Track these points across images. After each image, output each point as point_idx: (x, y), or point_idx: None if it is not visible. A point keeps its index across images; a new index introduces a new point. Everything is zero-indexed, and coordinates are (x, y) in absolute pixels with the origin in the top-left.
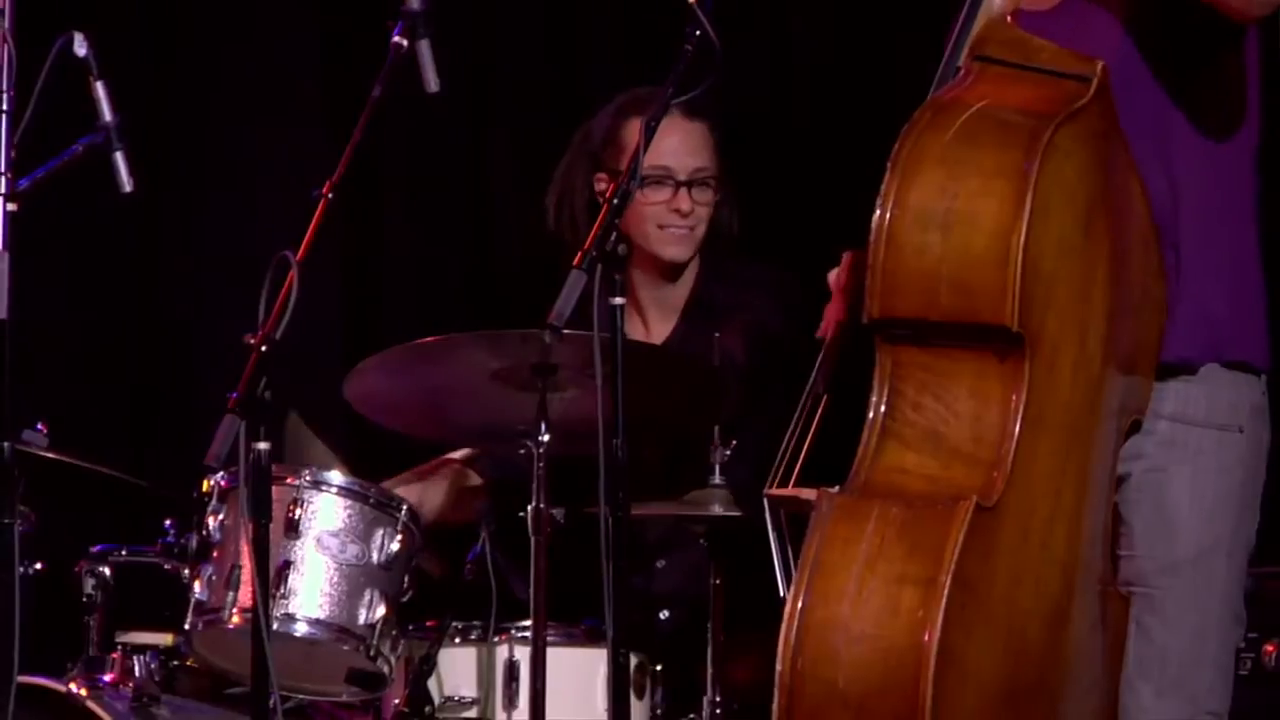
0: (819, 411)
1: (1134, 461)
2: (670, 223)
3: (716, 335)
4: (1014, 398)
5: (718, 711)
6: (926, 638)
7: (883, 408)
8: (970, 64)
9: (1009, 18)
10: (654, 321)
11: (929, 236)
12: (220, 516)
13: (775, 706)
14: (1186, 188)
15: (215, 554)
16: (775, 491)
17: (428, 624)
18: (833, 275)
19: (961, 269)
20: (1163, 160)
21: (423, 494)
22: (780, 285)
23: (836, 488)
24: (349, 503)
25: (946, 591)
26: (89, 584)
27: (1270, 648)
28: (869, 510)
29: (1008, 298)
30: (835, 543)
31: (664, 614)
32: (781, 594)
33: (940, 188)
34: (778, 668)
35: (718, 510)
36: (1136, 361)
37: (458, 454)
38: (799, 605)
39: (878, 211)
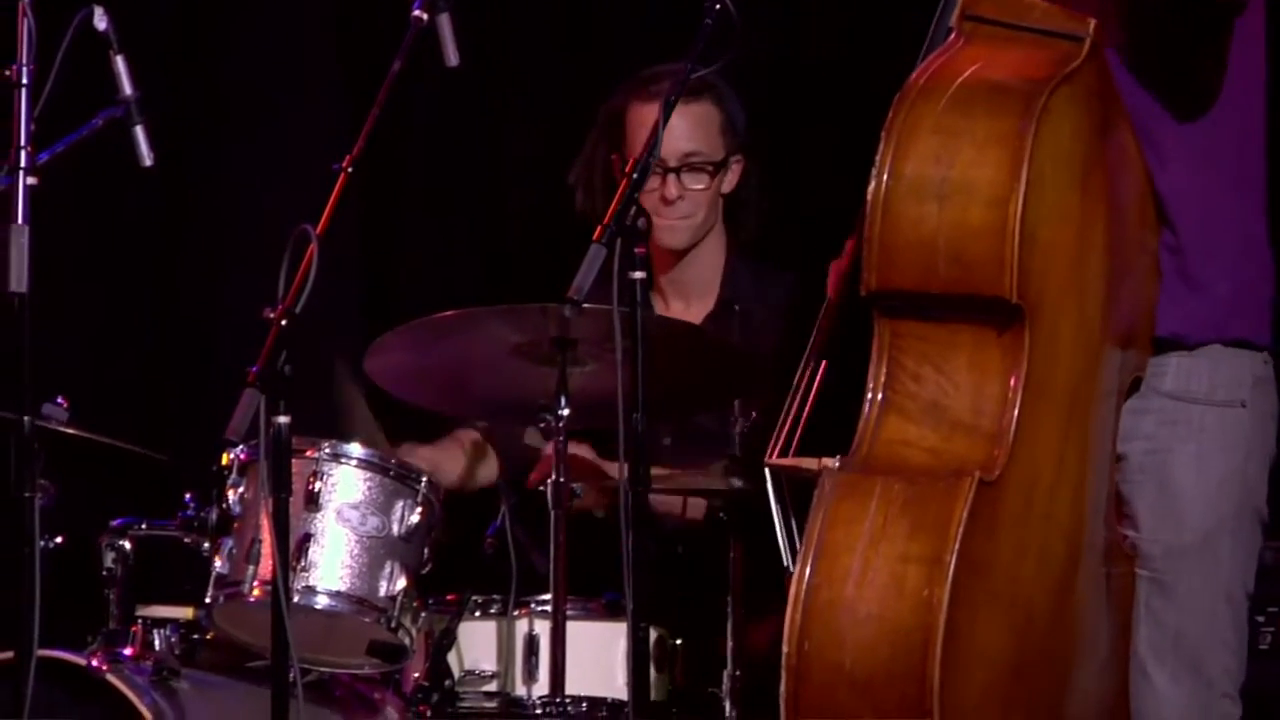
0: (818, 379)
1: (1133, 441)
2: (658, 211)
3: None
4: (1014, 369)
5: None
6: (933, 617)
7: (882, 380)
8: (961, 24)
9: None
10: (673, 302)
11: (925, 207)
12: (240, 490)
13: (782, 689)
14: (1181, 167)
15: (235, 527)
16: (776, 461)
17: (448, 598)
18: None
19: (959, 240)
20: (1154, 141)
21: (435, 459)
22: (803, 290)
23: (837, 458)
24: (369, 475)
25: (952, 570)
26: (109, 558)
27: None
28: (871, 488)
29: (1006, 270)
30: (838, 522)
31: (680, 548)
32: (785, 563)
33: (935, 157)
34: (784, 650)
35: (736, 484)
36: (1135, 328)
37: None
38: (803, 587)
39: (873, 182)
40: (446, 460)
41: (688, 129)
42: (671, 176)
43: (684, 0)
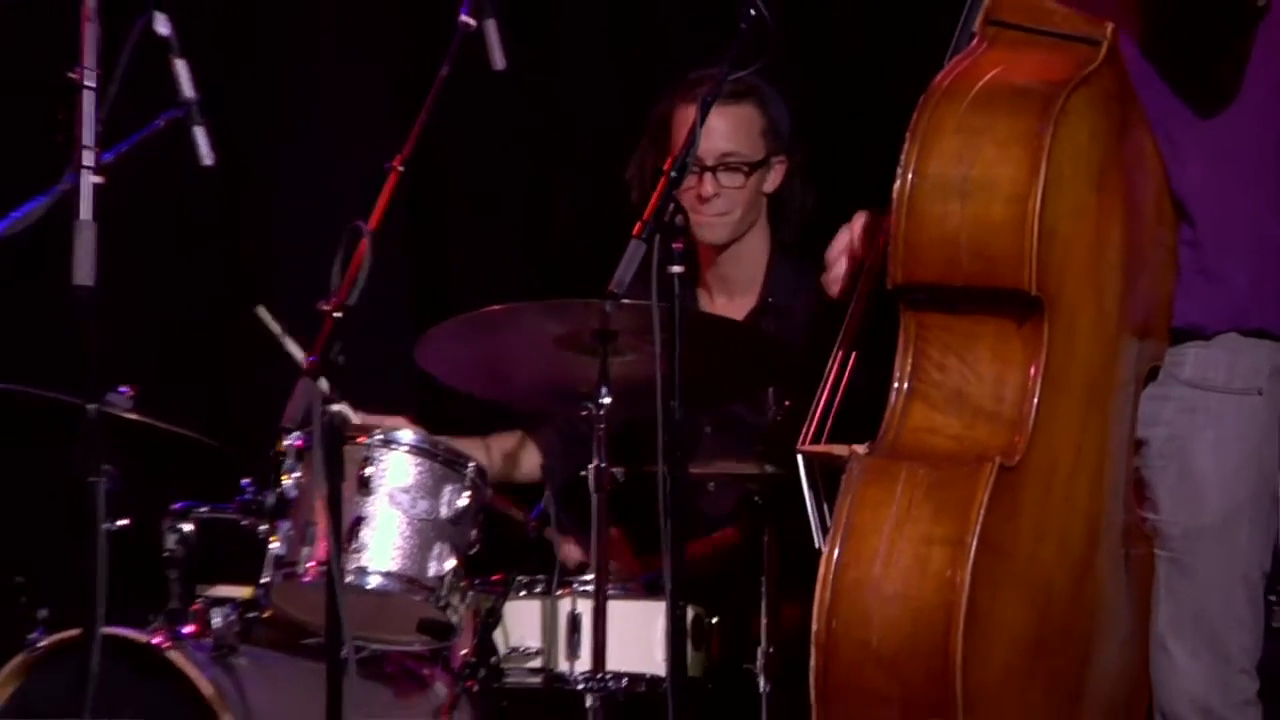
0: (849, 368)
1: (1153, 427)
2: (695, 207)
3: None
4: (1034, 359)
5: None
6: (955, 596)
7: (908, 370)
8: (984, 29)
9: None
10: (717, 297)
11: (949, 205)
12: (296, 475)
13: (812, 665)
14: (1199, 164)
15: (292, 511)
16: (808, 447)
17: (494, 578)
18: (841, 240)
19: (981, 236)
20: (1172, 140)
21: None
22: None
23: (866, 445)
24: (419, 460)
25: (973, 551)
26: (171, 540)
27: None
28: (897, 472)
29: (1025, 263)
30: (866, 505)
31: (711, 485)
32: (816, 545)
33: (957, 156)
34: (813, 628)
35: (770, 469)
36: (1152, 320)
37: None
38: (832, 567)
39: (898, 181)
40: (478, 454)
41: (727, 130)
42: (708, 175)
43: (728, 1)
